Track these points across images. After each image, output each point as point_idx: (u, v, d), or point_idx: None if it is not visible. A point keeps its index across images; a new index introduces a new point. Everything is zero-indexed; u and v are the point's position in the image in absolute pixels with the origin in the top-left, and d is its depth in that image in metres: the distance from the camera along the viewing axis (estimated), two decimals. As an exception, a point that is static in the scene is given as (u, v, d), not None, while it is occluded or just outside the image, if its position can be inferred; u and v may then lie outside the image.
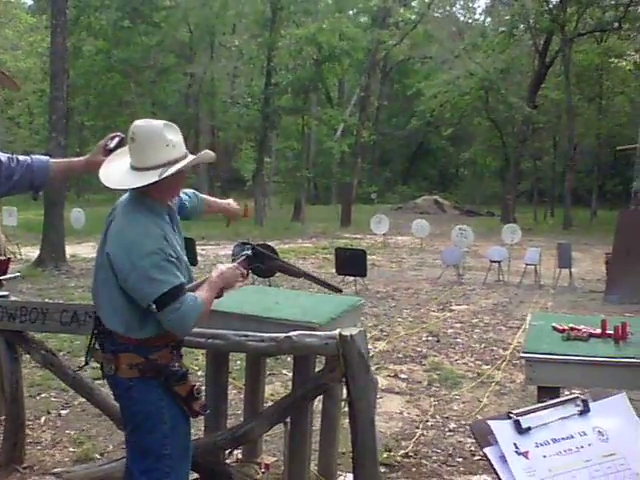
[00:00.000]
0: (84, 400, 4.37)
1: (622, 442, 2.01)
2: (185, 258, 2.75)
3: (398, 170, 49.11)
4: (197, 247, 12.63)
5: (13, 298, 4.17)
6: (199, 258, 12.86)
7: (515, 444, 1.95)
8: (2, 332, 3.98)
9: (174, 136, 2.63)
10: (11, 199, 26.24)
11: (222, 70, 33.21)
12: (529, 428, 1.98)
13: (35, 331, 4.06)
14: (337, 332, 3.24)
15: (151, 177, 2.56)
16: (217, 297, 2.75)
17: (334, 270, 11.85)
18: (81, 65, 30.93)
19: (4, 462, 4.08)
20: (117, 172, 2.68)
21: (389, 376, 6.39)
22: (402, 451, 4.57)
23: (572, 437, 1.99)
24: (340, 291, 3.24)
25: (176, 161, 2.60)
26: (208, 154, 2.80)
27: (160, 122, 2.65)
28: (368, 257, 11.63)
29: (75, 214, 18.50)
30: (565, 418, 2.03)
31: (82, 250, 16.50)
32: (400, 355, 7.20)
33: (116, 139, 2.84)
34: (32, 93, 35.30)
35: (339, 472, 4.00)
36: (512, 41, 32.27)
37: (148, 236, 2.57)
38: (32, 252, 14.92)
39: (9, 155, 2.84)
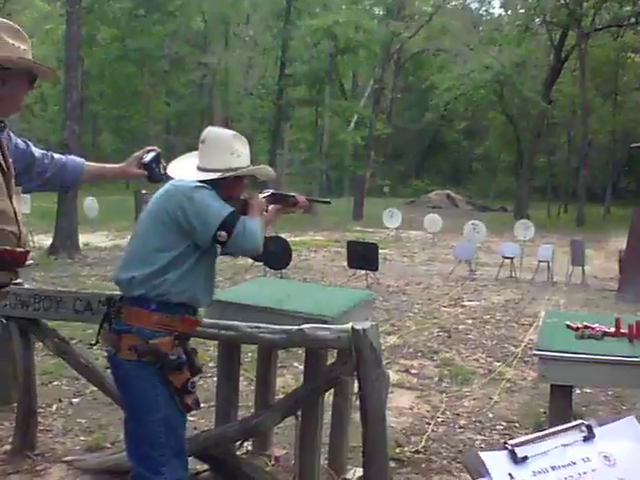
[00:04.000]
0: (95, 389, 4.38)
1: (631, 466, 1.93)
2: None
3: (411, 164, 49.05)
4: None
5: (27, 286, 4.18)
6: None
7: (510, 474, 1.87)
8: (16, 320, 3.98)
9: (241, 147, 2.85)
10: (25, 187, 26.31)
11: (236, 60, 33.19)
12: (526, 457, 1.90)
13: (48, 319, 4.07)
14: (349, 326, 3.23)
15: (211, 176, 2.77)
16: None
17: (346, 263, 11.84)
18: (95, 54, 31.01)
19: (16, 448, 4.11)
20: (184, 168, 2.88)
21: (400, 371, 6.37)
22: (412, 447, 4.55)
23: (574, 464, 1.90)
24: (329, 202, 3.50)
25: (237, 169, 2.81)
26: (266, 169, 3.00)
27: (230, 132, 2.89)
28: (380, 251, 11.60)
29: (89, 203, 18.54)
30: (567, 445, 1.95)
31: (95, 239, 16.56)
32: (411, 350, 7.18)
33: (152, 153, 2.90)
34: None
35: (349, 466, 3.99)
36: (528, 35, 32.07)
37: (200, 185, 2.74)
38: (45, 240, 14.97)
39: (43, 151, 2.87)
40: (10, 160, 2.69)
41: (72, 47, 14.33)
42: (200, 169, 2.81)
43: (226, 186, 2.80)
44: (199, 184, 2.71)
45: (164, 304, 2.67)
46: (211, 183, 2.76)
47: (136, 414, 2.73)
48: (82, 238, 14.92)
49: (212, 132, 2.87)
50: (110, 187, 33.93)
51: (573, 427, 2.02)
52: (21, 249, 2.63)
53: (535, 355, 3.56)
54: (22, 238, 2.65)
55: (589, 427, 2.00)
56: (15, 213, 2.56)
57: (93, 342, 2.94)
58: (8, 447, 4.17)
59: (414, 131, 46.65)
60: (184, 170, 2.86)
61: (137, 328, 2.66)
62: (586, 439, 1.98)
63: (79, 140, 14.68)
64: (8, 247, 2.52)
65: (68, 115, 14.21)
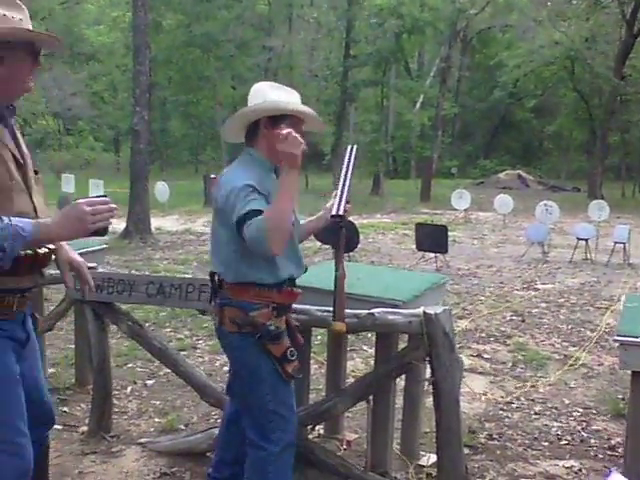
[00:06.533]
0: (169, 371, 4.43)
1: None
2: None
3: (480, 143, 48.12)
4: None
5: (100, 269, 4.25)
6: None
7: None
8: (90, 303, 4.06)
9: (279, 94, 2.77)
10: (96, 172, 26.87)
11: (301, 43, 33.11)
12: None
13: (122, 302, 4.12)
14: (421, 310, 3.17)
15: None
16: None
17: (414, 246, 11.71)
18: (162, 40, 31.34)
19: (93, 430, 4.19)
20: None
21: (472, 356, 6.26)
22: (486, 433, 4.47)
23: None
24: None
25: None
26: (311, 113, 2.81)
27: (271, 83, 2.88)
28: (449, 233, 11.43)
29: (160, 187, 18.90)
30: None
31: (166, 223, 16.87)
32: (483, 335, 7.05)
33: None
34: (116, 68, 36.06)
35: (422, 452, 3.94)
36: (598, 9, 30.89)
37: (246, 174, 2.69)
38: (118, 225, 15.30)
39: None
40: (25, 149, 2.53)
41: (139, 33, 14.49)
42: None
43: (263, 137, 2.76)
44: (243, 183, 2.62)
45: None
46: (251, 140, 2.79)
47: (245, 382, 2.83)
48: (154, 222, 15.20)
49: (257, 84, 2.88)
50: (180, 172, 34.45)
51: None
52: (44, 250, 2.45)
53: (616, 341, 3.42)
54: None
55: None
56: (36, 210, 2.44)
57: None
58: (85, 428, 4.26)
59: (482, 110, 45.70)
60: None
61: (237, 301, 2.74)
62: None
63: (148, 126, 14.89)
64: (29, 251, 2.35)
65: (137, 101, 14.41)
